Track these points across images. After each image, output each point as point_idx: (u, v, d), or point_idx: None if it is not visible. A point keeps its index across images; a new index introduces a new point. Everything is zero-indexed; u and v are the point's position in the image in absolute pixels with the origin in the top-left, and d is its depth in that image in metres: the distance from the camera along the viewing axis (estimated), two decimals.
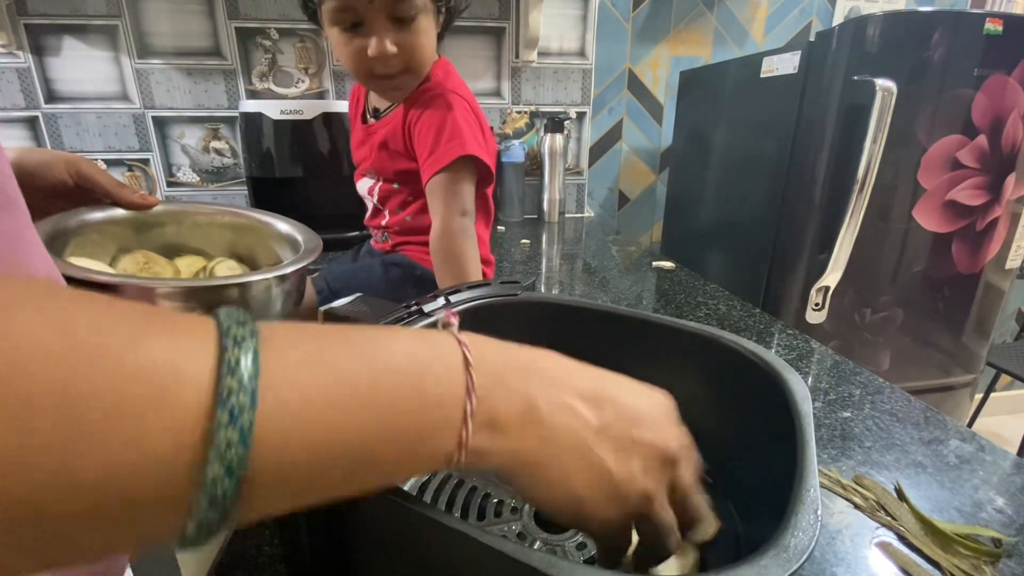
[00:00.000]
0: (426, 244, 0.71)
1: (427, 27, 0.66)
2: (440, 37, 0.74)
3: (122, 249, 0.48)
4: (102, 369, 0.13)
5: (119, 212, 0.49)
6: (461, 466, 0.18)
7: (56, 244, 0.41)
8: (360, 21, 0.62)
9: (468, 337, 0.20)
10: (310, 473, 0.15)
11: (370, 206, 0.86)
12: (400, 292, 0.77)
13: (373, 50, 0.62)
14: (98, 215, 0.47)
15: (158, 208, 0.51)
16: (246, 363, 0.14)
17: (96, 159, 1.38)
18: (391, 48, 0.63)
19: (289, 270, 0.42)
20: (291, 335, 0.16)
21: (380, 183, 0.81)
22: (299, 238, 0.51)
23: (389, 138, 0.75)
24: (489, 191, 0.80)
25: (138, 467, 0.13)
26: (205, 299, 0.37)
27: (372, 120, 0.80)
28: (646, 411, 0.22)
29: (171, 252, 0.51)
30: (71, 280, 0.32)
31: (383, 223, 0.83)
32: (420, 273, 0.78)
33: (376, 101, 0.80)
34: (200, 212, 0.54)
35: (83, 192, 0.46)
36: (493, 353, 0.20)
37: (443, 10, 0.69)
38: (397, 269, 0.80)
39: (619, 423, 0.21)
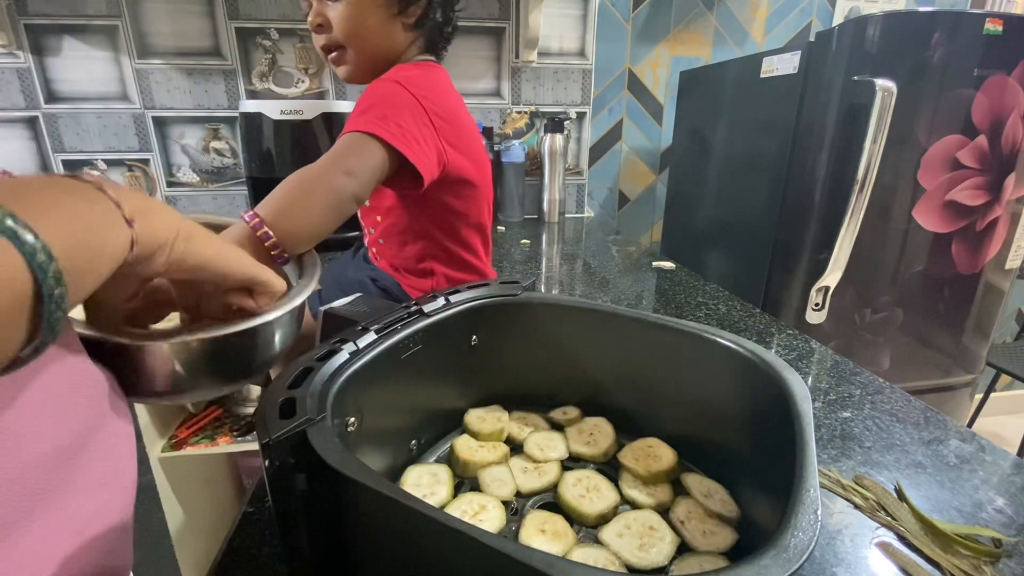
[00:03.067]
0: (410, 275, 0.72)
1: (362, 4, 0.67)
2: (426, 34, 0.71)
3: None
4: None
5: None
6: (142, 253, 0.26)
7: None
8: None
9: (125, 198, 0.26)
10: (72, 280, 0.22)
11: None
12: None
13: (309, 19, 0.69)
14: None
15: None
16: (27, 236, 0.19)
17: (96, 159, 1.38)
18: (317, 17, 0.68)
19: (291, 306, 0.35)
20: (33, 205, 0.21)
21: None
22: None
23: None
24: (461, 202, 0.71)
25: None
26: (211, 348, 0.31)
27: None
28: None
29: None
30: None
31: (367, 240, 0.82)
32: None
33: None
34: None
35: None
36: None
37: None
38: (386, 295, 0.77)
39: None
